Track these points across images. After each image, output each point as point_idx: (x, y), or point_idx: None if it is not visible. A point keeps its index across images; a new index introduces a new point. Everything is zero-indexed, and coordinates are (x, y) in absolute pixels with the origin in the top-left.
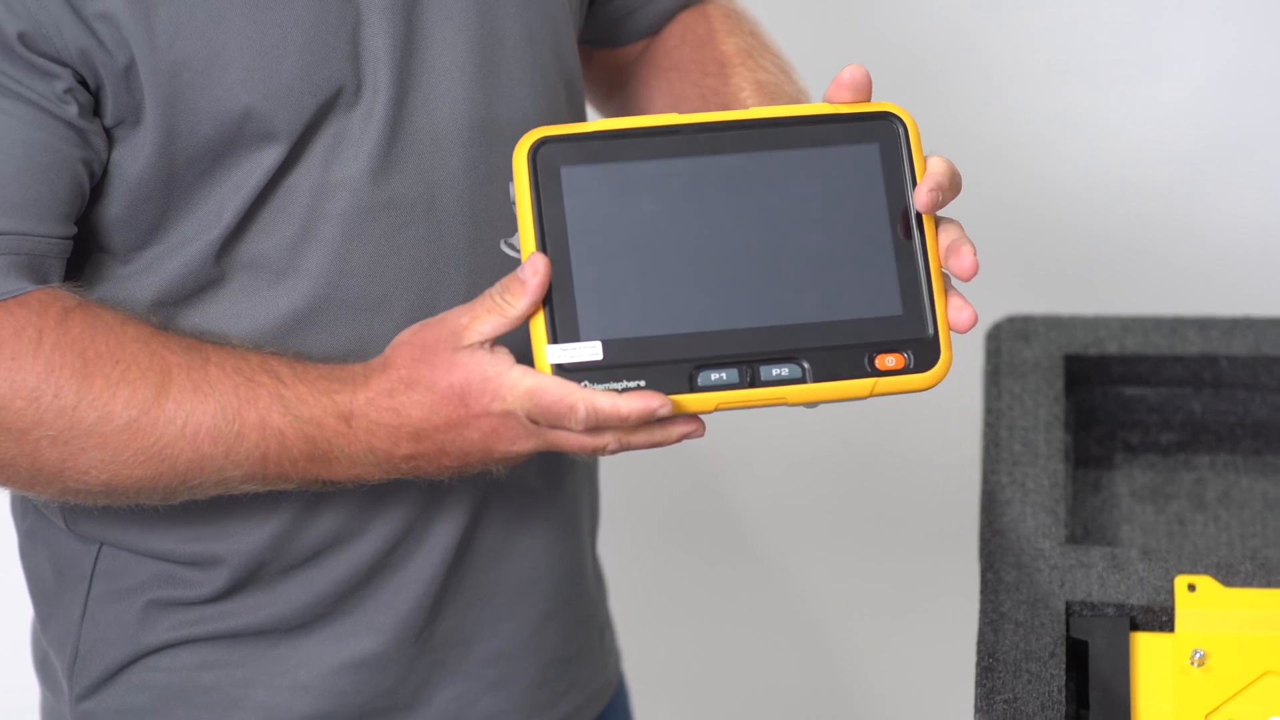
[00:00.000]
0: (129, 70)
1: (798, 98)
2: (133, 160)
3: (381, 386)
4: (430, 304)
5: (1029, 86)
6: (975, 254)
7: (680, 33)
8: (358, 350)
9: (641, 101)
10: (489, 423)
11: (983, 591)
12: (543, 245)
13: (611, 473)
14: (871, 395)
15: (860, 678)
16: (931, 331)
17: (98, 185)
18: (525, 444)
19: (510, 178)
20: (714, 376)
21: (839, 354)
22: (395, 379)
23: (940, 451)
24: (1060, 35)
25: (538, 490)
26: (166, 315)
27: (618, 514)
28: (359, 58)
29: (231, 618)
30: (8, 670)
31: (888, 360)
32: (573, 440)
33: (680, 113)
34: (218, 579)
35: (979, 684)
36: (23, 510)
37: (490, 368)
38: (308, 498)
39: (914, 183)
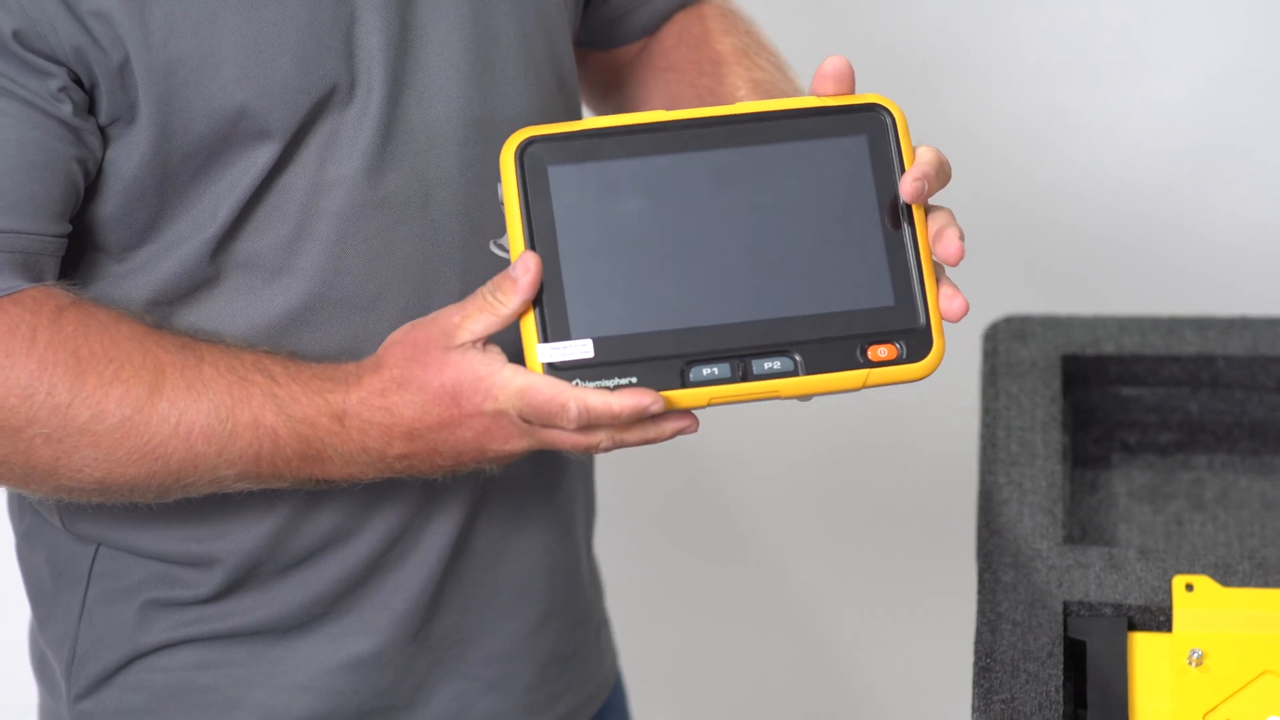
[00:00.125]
0: (123, 68)
1: (793, 96)
2: (127, 158)
3: (374, 386)
4: (424, 302)
5: (1028, 86)
6: (962, 238)
7: (676, 33)
8: (352, 349)
9: (638, 102)
10: (481, 422)
11: (980, 591)
12: (531, 244)
13: (607, 471)
14: (865, 386)
15: (857, 677)
16: (923, 321)
17: (92, 184)
18: (518, 443)
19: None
20: (706, 371)
21: (831, 346)
22: (388, 378)
23: (938, 451)
24: (1059, 35)
25: (534, 489)
26: (161, 314)
27: (613, 512)
28: (353, 56)
29: (228, 618)
30: (6, 671)
31: (880, 351)
32: (566, 439)
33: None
34: (214, 579)
35: (976, 684)
36: (20, 512)
37: (482, 367)
38: (303, 498)
39: (903, 173)
